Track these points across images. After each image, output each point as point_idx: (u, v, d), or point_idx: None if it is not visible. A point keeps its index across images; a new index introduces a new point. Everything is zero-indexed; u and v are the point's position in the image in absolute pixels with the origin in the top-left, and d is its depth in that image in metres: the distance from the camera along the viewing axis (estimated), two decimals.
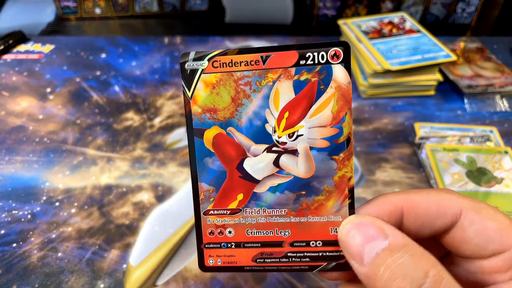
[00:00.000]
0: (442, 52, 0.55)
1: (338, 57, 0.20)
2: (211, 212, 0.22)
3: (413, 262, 0.17)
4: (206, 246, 0.22)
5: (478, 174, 0.43)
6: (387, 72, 0.54)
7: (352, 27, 0.62)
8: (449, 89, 0.58)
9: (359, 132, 0.50)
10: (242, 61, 0.20)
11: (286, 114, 0.20)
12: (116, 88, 0.58)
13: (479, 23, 0.79)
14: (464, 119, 0.53)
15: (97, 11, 0.79)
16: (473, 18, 0.78)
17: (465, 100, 0.55)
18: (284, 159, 0.21)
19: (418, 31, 0.60)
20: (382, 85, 0.55)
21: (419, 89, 0.56)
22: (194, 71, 0.21)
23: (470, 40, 0.67)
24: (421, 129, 0.50)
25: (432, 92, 0.57)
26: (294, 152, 0.21)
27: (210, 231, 0.22)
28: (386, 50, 0.56)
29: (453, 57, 0.54)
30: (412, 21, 0.63)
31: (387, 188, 0.43)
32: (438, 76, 0.55)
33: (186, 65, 0.21)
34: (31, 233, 0.38)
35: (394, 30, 0.61)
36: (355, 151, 0.48)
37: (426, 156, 0.45)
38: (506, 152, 0.45)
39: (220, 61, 0.20)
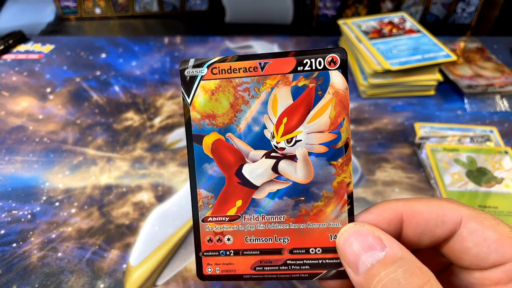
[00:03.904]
0: (442, 52, 0.55)
1: (335, 63, 0.20)
2: (210, 219, 0.22)
3: (406, 278, 0.16)
4: (205, 254, 0.22)
5: (478, 174, 0.43)
6: (387, 72, 0.54)
7: (352, 27, 0.62)
8: (449, 89, 0.58)
9: (359, 132, 0.50)
10: (241, 68, 0.20)
11: (285, 120, 0.20)
12: (116, 88, 0.58)
13: (479, 23, 0.79)
14: (464, 119, 0.53)
15: (97, 11, 0.79)
16: (473, 18, 0.78)
17: (465, 100, 0.55)
18: (283, 165, 0.21)
19: (418, 31, 0.60)
20: (382, 85, 0.55)
21: (419, 89, 0.56)
22: (193, 78, 0.21)
23: (470, 40, 0.67)
24: (421, 129, 0.50)
25: (432, 92, 0.57)
26: (292, 158, 0.21)
27: (208, 238, 0.22)
28: (386, 50, 0.56)
29: (453, 57, 0.54)
30: (412, 21, 0.63)
31: (387, 188, 0.43)
32: (438, 76, 0.55)
33: (185, 72, 0.21)
34: (31, 233, 0.38)
35: (394, 30, 0.61)
36: (355, 151, 0.48)
37: (426, 156, 0.45)
38: (506, 152, 0.45)
39: (219, 67, 0.20)
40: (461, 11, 0.77)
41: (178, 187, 0.43)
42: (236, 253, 0.22)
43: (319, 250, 0.21)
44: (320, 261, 0.21)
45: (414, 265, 0.17)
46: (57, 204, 0.41)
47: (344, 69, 0.20)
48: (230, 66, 0.20)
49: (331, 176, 0.20)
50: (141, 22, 0.80)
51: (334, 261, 0.21)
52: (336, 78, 0.20)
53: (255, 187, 0.21)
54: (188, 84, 0.21)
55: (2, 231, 0.38)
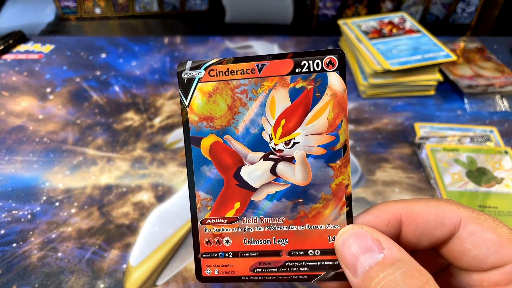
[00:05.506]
0: (442, 52, 0.55)
1: (333, 65, 0.20)
2: (208, 221, 0.22)
3: (404, 280, 0.16)
4: (203, 255, 0.22)
5: (478, 174, 0.43)
6: (387, 72, 0.54)
7: (352, 27, 0.62)
8: (449, 89, 0.58)
9: (359, 132, 0.50)
10: (238, 70, 0.20)
11: (283, 122, 0.20)
12: (116, 88, 0.58)
13: (479, 23, 0.79)
14: (464, 119, 0.53)
15: (97, 11, 0.79)
16: (473, 18, 0.78)
17: (465, 100, 0.55)
18: (281, 167, 0.21)
19: (418, 31, 0.60)
20: (382, 85, 0.55)
21: (419, 89, 0.56)
22: (191, 80, 0.21)
23: (470, 40, 0.67)
24: (421, 129, 0.50)
25: (432, 92, 0.57)
26: (291, 160, 0.21)
27: (207, 240, 0.22)
28: (386, 50, 0.56)
29: (453, 57, 0.54)
30: (412, 21, 0.63)
31: (387, 188, 0.43)
32: (438, 76, 0.55)
33: (183, 74, 0.21)
34: (31, 233, 0.38)
35: (394, 30, 0.61)
36: (355, 151, 0.48)
37: (426, 156, 0.45)
38: (506, 152, 0.45)
39: (216, 70, 0.20)
40: (461, 11, 0.77)
41: (178, 187, 0.43)
42: (235, 255, 0.22)
43: (317, 252, 0.21)
44: (318, 263, 0.21)
45: (412, 267, 0.17)
46: (57, 204, 0.41)
47: (342, 70, 0.20)
48: (228, 68, 0.20)
49: (329, 178, 0.20)
50: (141, 22, 0.80)
51: (333, 263, 0.21)
52: (334, 80, 0.20)
53: (253, 189, 0.21)
54: (185, 86, 0.21)
55: (2, 231, 0.38)
